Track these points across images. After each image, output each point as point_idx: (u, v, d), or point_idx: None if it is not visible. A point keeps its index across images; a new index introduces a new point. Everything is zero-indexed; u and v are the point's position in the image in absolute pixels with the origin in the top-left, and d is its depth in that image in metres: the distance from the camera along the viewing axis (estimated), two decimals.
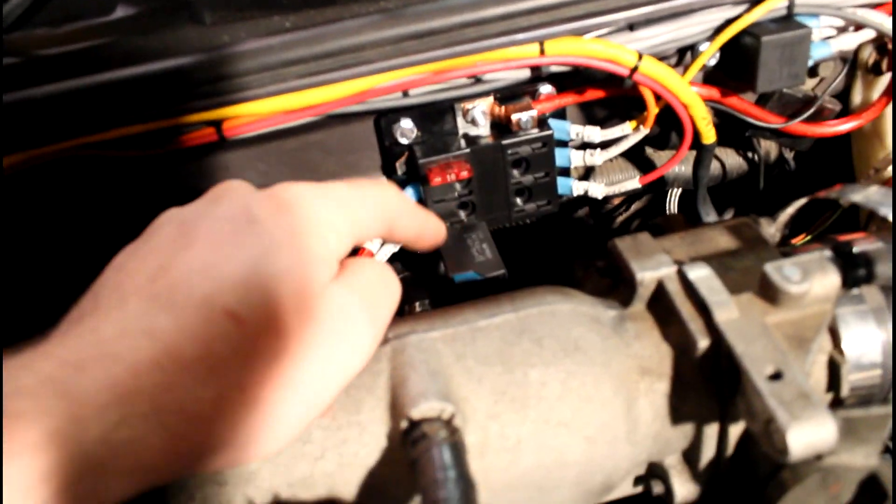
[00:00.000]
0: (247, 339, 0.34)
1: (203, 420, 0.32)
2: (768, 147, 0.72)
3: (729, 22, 0.56)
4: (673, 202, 0.74)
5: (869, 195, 0.46)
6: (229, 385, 0.33)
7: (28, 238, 0.57)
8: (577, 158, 0.61)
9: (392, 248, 0.49)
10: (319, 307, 0.36)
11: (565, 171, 0.63)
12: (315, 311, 0.36)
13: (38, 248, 0.58)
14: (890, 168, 0.63)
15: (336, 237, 0.39)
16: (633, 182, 0.64)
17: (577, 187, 0.63)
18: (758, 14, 0.55)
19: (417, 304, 0.56)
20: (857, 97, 0.67)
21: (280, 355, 0.34)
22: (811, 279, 0.41)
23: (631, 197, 0.77)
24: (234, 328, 0.33)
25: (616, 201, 0.77)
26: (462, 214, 0.60)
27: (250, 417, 0.34)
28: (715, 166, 0.71)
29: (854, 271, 0.44)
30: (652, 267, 0.46)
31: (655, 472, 0.48)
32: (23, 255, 0.57)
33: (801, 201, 0.51)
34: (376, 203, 0.43)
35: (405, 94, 0.54)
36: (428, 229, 0.48)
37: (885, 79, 0.64)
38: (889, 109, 0.65)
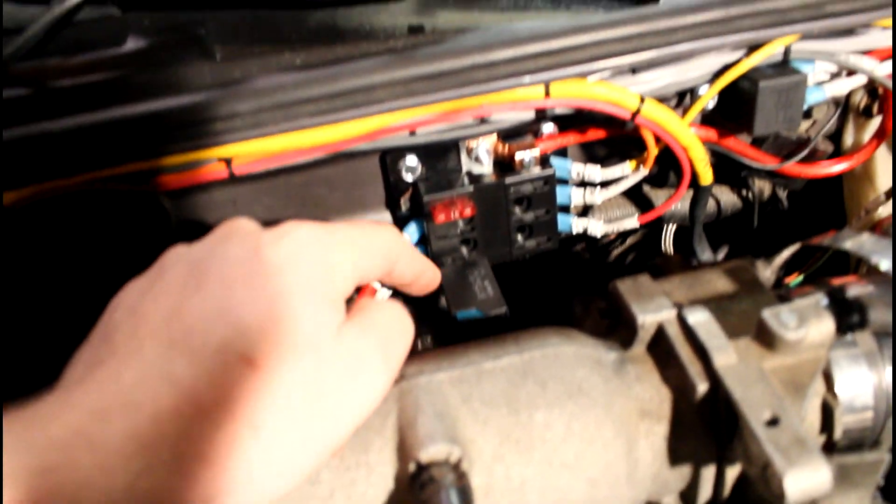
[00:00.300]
0: (263, 382, 0.34)
1: (221, 464, 0.33)
2: (762, 186, 0.73)
3: (727, 67, 0.57)
4: (668, 238, 0.75)
5: (861, 243, 0.48)
6: (246, 429, 0.34)
7: (37, 271, 0.57)
8: (577, 197, 0.63)
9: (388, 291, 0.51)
10: (333, 350, 0.37)
11: (565, 209, 0.64)
12: (329, 353, 0.37)
13: (46, 281, 0.58)
14: (881, 209, 0.64)
15: (342, 277, 0.40)
16: (632, 221, 0.66)
17: (576, 224, 0.64)
18: (755, 60, 0.56)
19: (419, 340, 0.57)
20: (848, 139, 0.68)
21: (294, 398, 0.35)
22: (807, 325, 0.43)
23: (627, 231, 0.79)
24: (250, 373, 0.34)
25: (612, 236, 0.79)
26: (464, 250, 0.61)
27: (266, 459, 0.34)
28: (710, 204, 0.72)
29: (848, 318, 0.45)
30: (653, 310, 0.47)
31: None
32: (31, 288, 0.57)
33: (795, 246, 0.52)
34: (380, 245, 0.44)
35: (412, 132, 0.55)
36: (424, 275, 0.50)
37: (876, 122, 0.66)
38: (880, 152, 0.66)
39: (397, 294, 0.52)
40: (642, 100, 0.54)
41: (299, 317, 0.36)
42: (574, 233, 0.65)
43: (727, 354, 0.43)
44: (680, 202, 0.70)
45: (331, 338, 0.37)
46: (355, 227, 0.43)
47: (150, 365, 0.34)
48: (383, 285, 0.50)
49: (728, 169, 0.68)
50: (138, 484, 0.31)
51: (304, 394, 0.35)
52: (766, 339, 0.43)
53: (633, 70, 0.56)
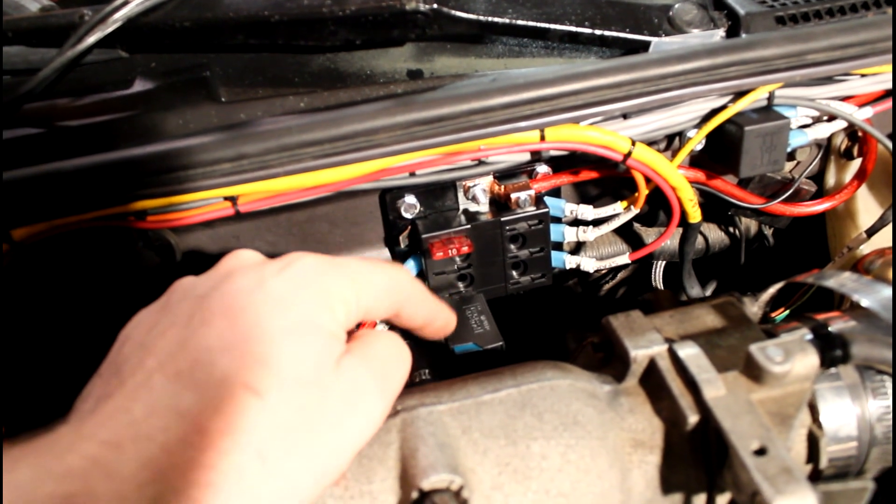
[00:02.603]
0: (266, 411, 0.36)
1: (227, 491, 0.34)
2: (749, 224, 0.76)
3: (715, 112, 0.60)
4: (658, 273, 0.77)
5: (843, 282, 0.50)
6: (251, 455, 0.35)
7: (47, 305, 0.59)
8: (570, 235, 0.65)
9: None
10: (333, 380, 0.38)
11: (559, 246, 0.66)
12: (329, 383, 0.38)
13: (56, 314, 0.59)
14: (862, 247, 0.67)
15: (345, 310, 0.41)
16: (623, 258, 0.68)
17: (569, 261, 0.66)
18: (741, 105, 0.59)
19: (418, 373, 0.58)
20: (830, 180, 0.71)
21: (296, 426, 0.36)
22: (793, 360, 0.44)
23: (619, 267, 0.81)
24: (254, 402, 0.35)
25: (604, 271, 0.81)
26: (461, 286, 0.63)
27: (270, 485, 0.35)
28: (699, 241, 0.74)
29: (831, 352, 0.47)
30: (644, 345, 0.49)
31: None
32: (40, 321, 0.59)
33: (780, 284, 0.54)
34: (386, 283, 0.44)
35: (412, 173, 0.57)
36: (438, 318, 0.50)
37: (857, 163, 0.68)
38: (861, 192, 0.69)
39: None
40: (633, 143, 0.57)
41: (300, 349, 0.38)
42: (567, 268, 0.67)
43: (716, 387, 0.45)
44: (670, 240, 0.72)
45: (331, 369, 0.38)
46: (361, 263, 0.44)
47: (159, 397, 0.35)
48: (391, 326, 0.50)
49: (716, 207, 0.71)
50: None
51: (305, 422, 0.37)
52: (754, 372, 0.45)
53: (625, 115, 0.58)
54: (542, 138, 0.55)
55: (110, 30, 0.59)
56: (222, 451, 0.34)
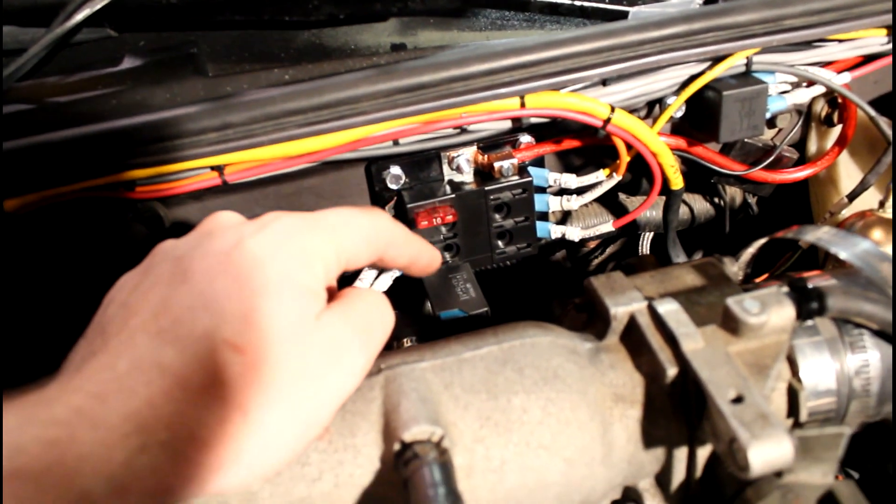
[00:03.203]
0: (247, 366, 0.36)
1: (213, 444, 0.35)
2: (733, 193, 0.77)
3: (693, 78, 0.60)
4: (645, 245, 0.78)
5: (821, 235, 0.50)
6: (233, 409, 0.36)
7: (37, 273, 0.59)
8: (555, 204, 0.66)
9: (387, 282, 0.52)
10: (313, 335, 0.39)
11: (544, 216, 0.67)
12: (310, 338, 0.39)
13: (46, 282, 0.60)
14: (844, 211, 0.68)
15: (323, 265, 0.42)
16: (608, 226, 0.68)
17: (555, 231, 0.67)
18: (719, 71, 0.60)
19: (406, 340, 0.59)
20: (812, 146, 0.72)
21: (278, 380, 0.37)
22: (769, 311, 0.45)
23: (606, 240, 0.82)
24: (235, 357, 0.36)
25: (592, 244, 0.81)
26: (447, 256, 0.64)
27: (255, 439, 0.36)
28: (684, 211, 0.75)
29: (808, 304, 0.48)
30: (624, 302, 0.49)
31: (630, 495, 0.51)
32: (32, 289, 0.60)
33: (761, 241, 0.55)
34: (366, 231, 0.45)
35: (395, 142, 0.58)
36: (422, 256, 0.50)
37: (837, 130, 0.69)
38: (842, 158, 0.70)
39: (390, 293, 0.54)
40: (613, 109, 0.58)
41: (280, 304, 0.38)
42: (553, 238, 0.67)
43: (695, 340, 0.46)
44: (655, 211, 0.73)
45: (311, 324, 0.39)
46: (338, 214, 0.44)
47: (142, 353, 0.36)
48: (379, 268, 0.51)
49: (699, 177, 0.71)
50: (136, 460, 0.33)
51: (287, 377, 0.37)
52: (731, 325, 0.46)
53: (604, 82, 0.59)
54: (523, 105, 0.56)
55: (98, 7, 0.60)
56: (205, 406, 0.35)
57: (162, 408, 0.34)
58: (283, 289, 0.39)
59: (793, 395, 0.50)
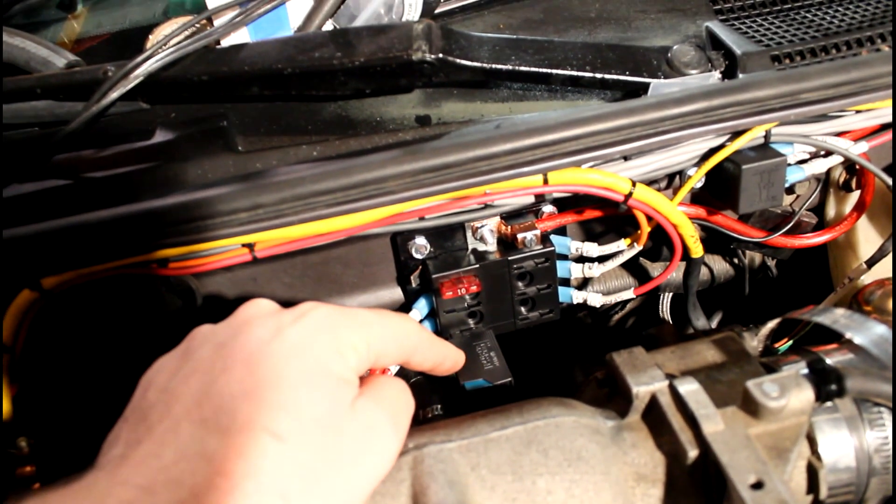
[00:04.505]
0: (287, 453, 0.38)
1: None
2: (752, 256, 0.78)
3: (713, 151, 0.61)
4: (665, 304, 0.79)
5: (835, 318, 0.51)
6: (273, 497, 0.37)
7: (73, 349, 0.61)
8: (576, 271, 0.67)
9: None
10: (348, 421, 0.41)
11: (566, 282, 0.68)
12: (345, 425, 0.40)
13: (82, 358, 0.62)
14: (862, 277, 0.68)
15: (356, 356, 0.44)
16: (628, 293, 0.70)
17: (576, 296, 0.68)
18: (738, 144, 0.61)
19: (431, 409, 0.60)
20: (830, 211, 0.72)
21: (316, 467, 0.39)
22: (788, 394, 0.46)
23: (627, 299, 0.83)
24: (275, 445, 0.38)
25: (611, 304, 0.82)
26: (471, 323, 0.65)
27: None
28: (704, 272, 0.76)
29: (826, 386, 0.49)
30: (646, 381, 0.50)
31: None
32: (68, 364, 0.61)
33: (777, 320, 0.56)
34: (396, 332, 0.47)
35: (421, 218, 0.59)
36: (445, 361, 0.53)
37: (856, 195, 0.70)
38: (861, 223, 0.71)
39: None
40: (633, 184, 0.59)
41: (317, 394, 0.40)
42: (574, 303, 0.68)
43: (715, 422, 0.46)
44: (675, 272, 0.74)
45: (346, 410, 0.41)
46: (371, 312, 0.47)
47: (187, 443, 0.38)
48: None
49: (719, 240, 0.72)
50: None
51: (323, 462, 0.39)
52: (751, 407, 0.47)
53: (625, 157, 0.60)
54: (546, 182, 0.57)
55: (132, 85, 0.62)
56: (246, 493, 0.36)
57: (205, 497, 0.36)
58: (320, 377, 0.41)
59: (812, 473, 0.51)
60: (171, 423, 0.39)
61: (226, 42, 0.68)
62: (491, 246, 0.64)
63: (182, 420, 0.39)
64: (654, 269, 0.74)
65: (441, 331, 0.65)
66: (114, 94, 0.62)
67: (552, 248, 0.63)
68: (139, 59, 0.63)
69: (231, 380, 0.40)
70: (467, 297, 0.63)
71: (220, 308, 0.64)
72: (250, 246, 0.57)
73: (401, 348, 0.48)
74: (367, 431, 0.41)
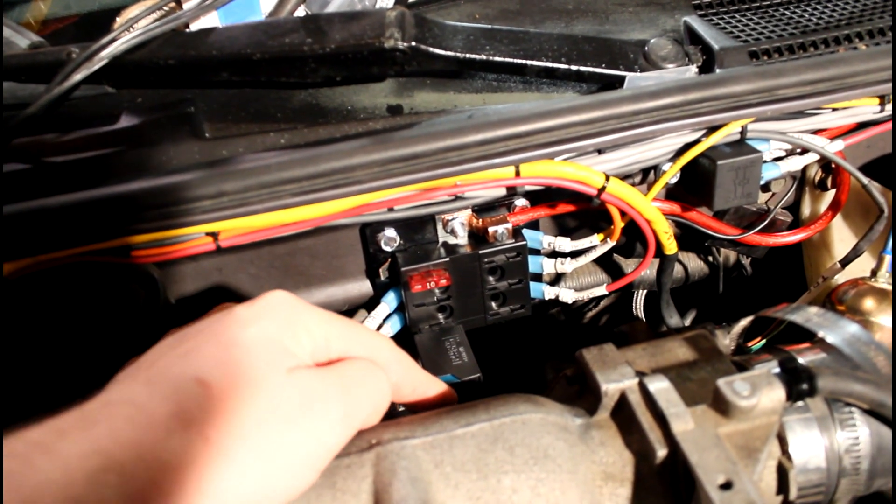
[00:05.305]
0: (211, 398, 0.38)
1: (178, 468, 0.36)
2: (727, 254, 0.77)
3: (688, 146, 0.61)
4: (639, 302, 0.78)
5: (808, 317, 0.51)
6: (196, 437, 0.37)
7: (32, 339, 0.59)
8: (548, 266, 0.66)
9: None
10: (283, 383, 0.41)
11: (538, 277, 0.67)
12: (279, 384, 0.41)
13: (39, 348, 0.60)
14: (836, 277, 0.68)
15: (310, 340, 0.44)
16: (601, 289, 0.69)
17: (548, 292, 0.67)
18: (714, 139, 0.60)
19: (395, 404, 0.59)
20: (806, 210, 0.72)
21: (242, 415, 0.39)
22: (759, 393, 0.45)
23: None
24: (201, 390, 0.38)
25: (583, 301, 0.82)
26: (440, 317, 0.64)
27: (220, 468, 0.37)
28: (678, 270, 0.75)
29: (798, 385, 0.48)
30: (616, 379, 0.49)
31: None
32: (25, 354, 0.60)
33: (749, 318, 0.55)
34: (365, 343, 0.48)
35: (391, 209, 0.58)
36: (427, 388, 0.54)
37: (831, 194, 0.70)
38: (836, 222, 0.70)
39: None
40: (607, 178, 0.58)
41: (252, 353, 0.41)
42: (546, 299, 0.67)
43: (685, 421, 0.46)
44: (649, 270, 0.73)
45: (281, 374, 0.41)
46: (345, 319, 0.47)
47: (114, 394, 0.39)
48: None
49: (694, 237, 0.72)
50: (98, 480, 0.34)
51: (252, 414, 0.39)
52: (722, 406, 0.46)
53: (599, 150, 0.59)
54: (517, 174, 0.56)
55: (97, 67, 0.61)
56: (169, 431, 0.37)
57: (122, 433, 0.36)
58: (258, 343, 0.42)
59: (782, 473, 0.50)
60: (110, 386, 0.40)
61: (195, 26, 0.67)
62: (462, 239, 0.63)
63: (119, 382, 0.40)
64: (628, 265, 0.73)
65: (410, 325, 0.63)
66: (77, 77, 0.60)
67: (524, 243, 0.62)
68: (104, 40, 0.61)
69: (175, 350, 0.41)
70: (437, 290, 0.62)
71: (185, 298, 0.63)
72: (214, 235, 0.55)
73: (368, 358, 0.47)
74: (302, 393, 0.41)
